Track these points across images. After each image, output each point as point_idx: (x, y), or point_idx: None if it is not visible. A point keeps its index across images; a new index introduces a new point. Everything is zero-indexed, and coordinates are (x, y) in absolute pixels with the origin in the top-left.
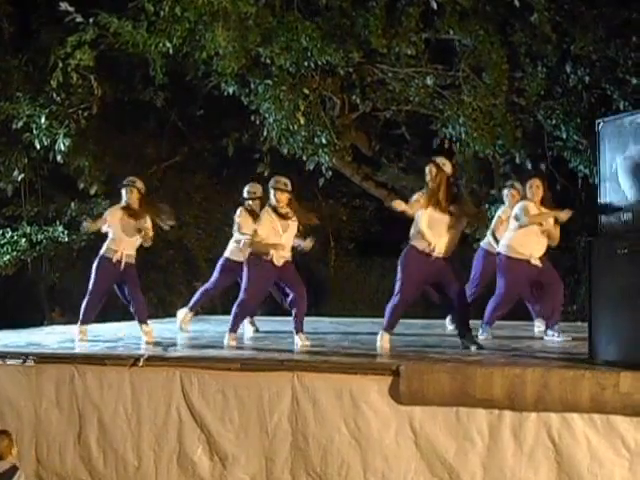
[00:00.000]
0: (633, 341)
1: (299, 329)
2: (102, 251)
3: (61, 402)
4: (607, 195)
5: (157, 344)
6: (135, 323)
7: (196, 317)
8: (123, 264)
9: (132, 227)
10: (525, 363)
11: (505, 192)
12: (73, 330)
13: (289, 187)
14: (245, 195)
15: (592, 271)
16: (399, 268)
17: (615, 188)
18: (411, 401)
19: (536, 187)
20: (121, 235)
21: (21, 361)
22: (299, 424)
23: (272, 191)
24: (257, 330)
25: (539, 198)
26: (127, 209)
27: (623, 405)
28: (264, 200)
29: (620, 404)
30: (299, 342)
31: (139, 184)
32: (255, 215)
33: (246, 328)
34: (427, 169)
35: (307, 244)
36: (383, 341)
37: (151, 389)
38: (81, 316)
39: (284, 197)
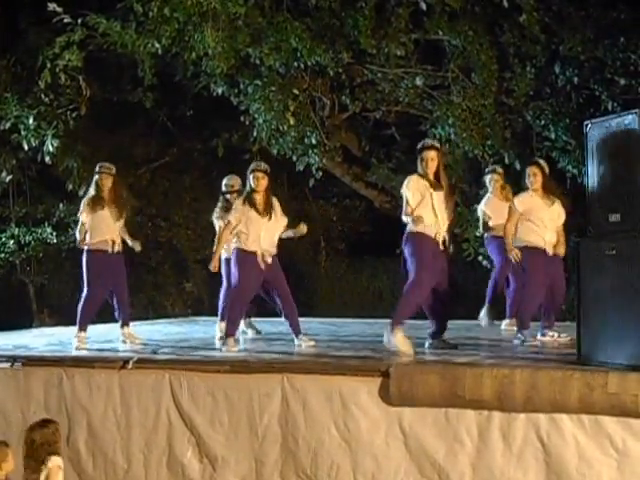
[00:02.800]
0: (621, 342)
1: (297, 331)
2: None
3: (50, 405)
4: (595, 196)
5: (145, 346)
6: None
7: (185, 318)
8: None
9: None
10: (514, 364)
11: (488, 178)
12: (62, 332)
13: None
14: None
15: (580, 272)
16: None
17: (603, 189)
18: (401, 402)
19: (533, 175)
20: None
21: (9, 364)
22: (289, 426)
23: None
24: (258, 332)
25: (539, 185)
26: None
27: (611, 405)
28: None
29: (608, 404)
30: (303, 344)
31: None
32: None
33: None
34: (434, 154)
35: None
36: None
37: (140, 392)
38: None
39: (264, 182)
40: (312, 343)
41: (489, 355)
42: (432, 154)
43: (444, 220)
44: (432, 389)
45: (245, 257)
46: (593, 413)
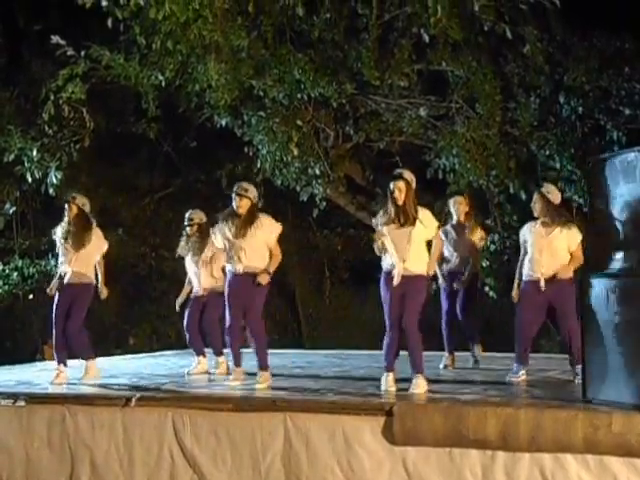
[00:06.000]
0: (626, 380)
1: (262, 365)
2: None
3: (53, 442)
4: (599, 233)
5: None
6: (131, 357)
7: (189, 350)
8: None
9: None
10: (518, 403)
11: (451, 201)
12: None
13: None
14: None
15: (584, 310)
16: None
17: (607, 226)
18: (404, 441)
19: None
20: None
21: (12, 401)
22: (292, 465)
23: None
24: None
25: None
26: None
27: (616, 445)
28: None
29: (613, 444)
30: (259, 378)
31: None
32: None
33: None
34: (401, 184)
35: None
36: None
37: (143, 429)
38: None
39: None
40: (264, 385)
41: (493, 393)
42: (399, 184)
43: (404, 255)
44: (436, 428)
45: (231, 280)
46: (598, 453)
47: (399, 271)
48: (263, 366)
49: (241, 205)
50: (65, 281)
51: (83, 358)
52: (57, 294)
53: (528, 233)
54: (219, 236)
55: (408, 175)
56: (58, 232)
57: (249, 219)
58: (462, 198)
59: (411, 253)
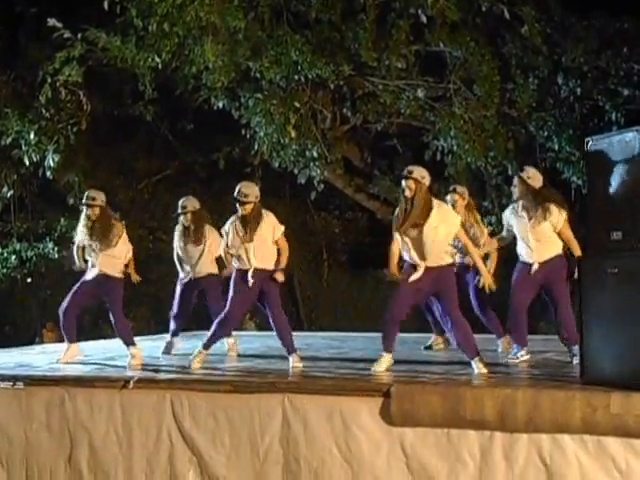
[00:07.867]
0: (624, 361)
1: (290, 350)
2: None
3: (51, 425)
4: (597, 214)
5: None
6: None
7: (188, 333)
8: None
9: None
10: (516, 384)
11: (448, 198)
12: (64, 349)
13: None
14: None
15: (583, 290)
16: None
17: (605, 207)
18: (402, 422)
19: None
20: None
21: (11, 384)
22: (290, 446)
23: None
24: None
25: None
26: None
27: (614, 426)
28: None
29: (611, 425)
30: (291, 363)
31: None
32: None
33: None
34: (410, 183)
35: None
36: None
37: (142, 411)
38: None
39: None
40: (300, 365)
41: (491, 374)
42: (408, 184)
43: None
44: (434, 409)
45: (237, 277)
46: (596, 434)
47: (420, 270)
48: (291, 350)
49: (245, 209)
50: (90, 278)
51: (126, 344)
52: (83, 283)
53: (512, 218)
54: (230, 236)
55: (417, 173)
56: (79, 234)
57: (256, 220)
58: (458, 196)
59: (431, 252)
